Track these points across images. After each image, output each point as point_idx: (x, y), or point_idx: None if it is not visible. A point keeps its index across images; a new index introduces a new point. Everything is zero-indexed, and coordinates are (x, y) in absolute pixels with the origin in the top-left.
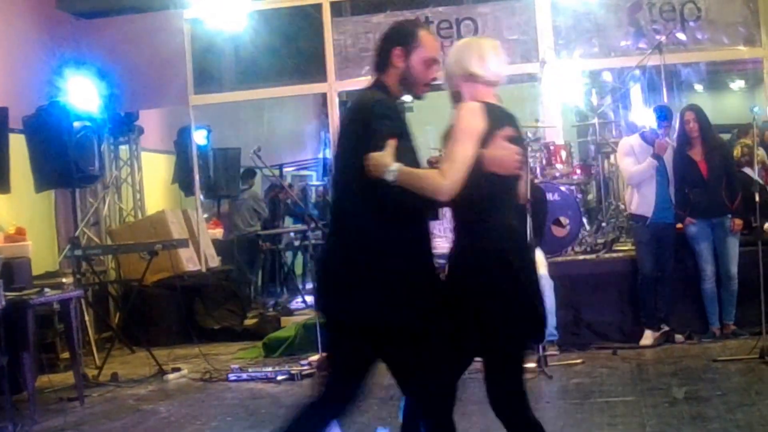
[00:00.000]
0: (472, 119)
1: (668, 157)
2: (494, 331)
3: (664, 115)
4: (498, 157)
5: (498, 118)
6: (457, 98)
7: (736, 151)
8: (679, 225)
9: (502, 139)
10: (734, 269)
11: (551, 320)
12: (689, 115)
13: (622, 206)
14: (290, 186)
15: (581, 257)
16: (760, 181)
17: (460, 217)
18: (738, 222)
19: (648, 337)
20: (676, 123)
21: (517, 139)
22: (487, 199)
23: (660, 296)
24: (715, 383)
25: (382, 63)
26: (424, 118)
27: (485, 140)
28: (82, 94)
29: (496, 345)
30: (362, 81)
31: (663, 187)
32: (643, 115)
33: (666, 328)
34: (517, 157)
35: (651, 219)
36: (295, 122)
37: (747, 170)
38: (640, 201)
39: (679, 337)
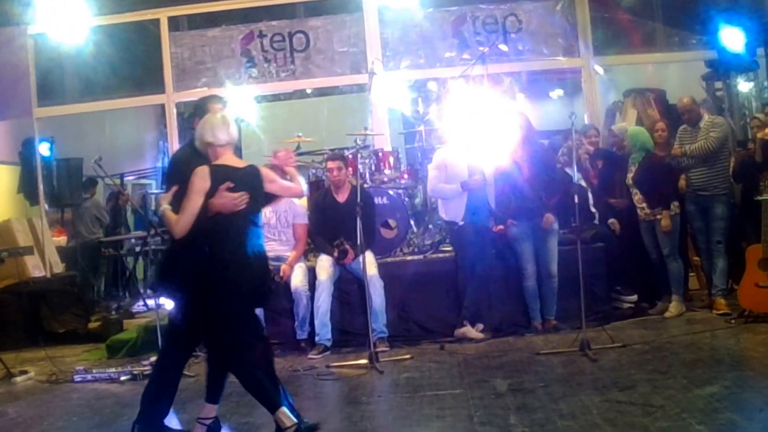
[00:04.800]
0: (199, 181)
1: (487, 162)
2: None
3: None
4: (220, 203)
5: (221, 175)
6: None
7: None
8: (500, 227)
9: (223, 191)
10: (554, 267)
11: (381, 318)
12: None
13: None
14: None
15: (410, 258)
16: (582, 183)
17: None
18: (549, 216)
19: (471, 332)
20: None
21: (237, 187)
22: (218, 228)
23: (482, 295)
24: (539, 375)
25: None
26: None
27: (212, 193)
28: None
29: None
30: (199, 92)
31: (480, 192)
32: (464, 122)
33: (481, 326)
34: (235, 201)
35: (464, 222)
36: (136, 133)
37: (568, 170)
38: (447, 209)
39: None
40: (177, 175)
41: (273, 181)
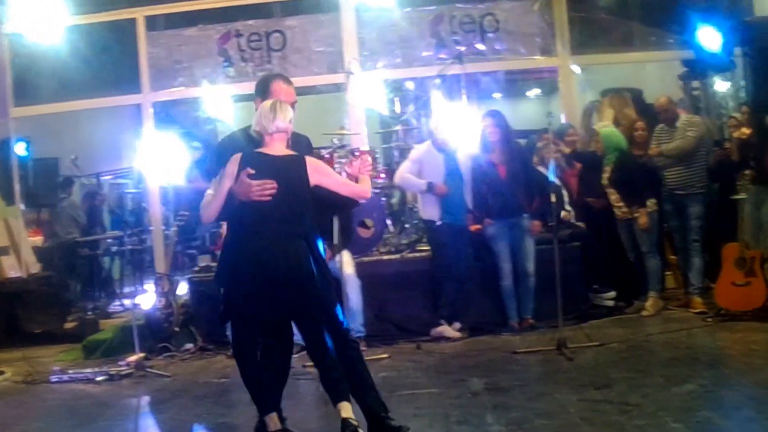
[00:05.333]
0: (229, 166)
1: (465, 161)
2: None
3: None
4: (238, 189)
5: (250, 161)
6: None
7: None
8: (477, 226)
9: (243, 176)
10: (531, 266)
11: (358, 318)
12: (489, 120)
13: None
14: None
15: (386, 257)
16: (557, 182)
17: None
18: (536, 224)
19: (449, 331)
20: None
21: (263, 175)
22: (243, 219)
23: (459, 294)
24: (515, 374)
25: None
26: None
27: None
28: None
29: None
30: (175, 92)
31: (458, 192)
32: (443, 122)
33: (458, 326)
34: (252, 188)
35: (441, 222)
36: (112, 132)
37: (542, 169)
38: (426, 208)
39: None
40: (217, 160)
41: (327, 175)
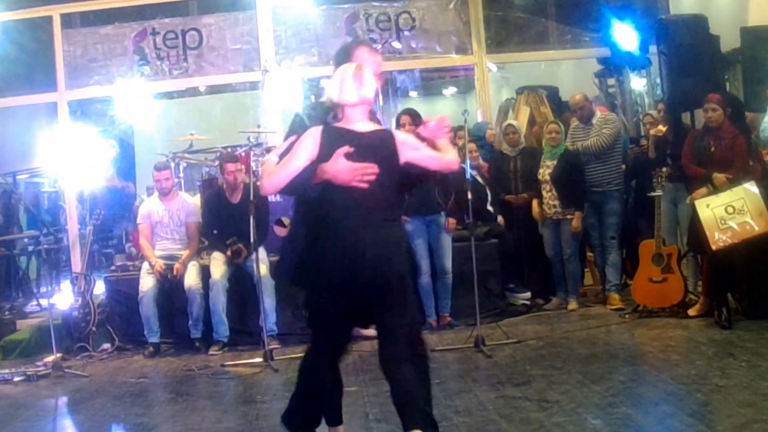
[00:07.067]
0: (308, 140)
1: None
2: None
3: None
4: (334, 169)
5: (336, 138)
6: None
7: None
8: None
9: (340, 157)
10: (448, 264)
11: (271, 317)
12: (405, 119)
13: None
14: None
15: None
16: (481, 180)
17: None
18: (452, 221)
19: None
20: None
21: (357, 156)
22: (323, 202)
23: None
24: (434, 371)
25: None
26: None
27: (324, 158)
28: None
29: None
30: (91, 90)
31: None
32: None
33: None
34: (355, 171)
35: None
36: (28, 131)
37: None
38: None
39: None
40: (292, 126)
41: (416, 149)
